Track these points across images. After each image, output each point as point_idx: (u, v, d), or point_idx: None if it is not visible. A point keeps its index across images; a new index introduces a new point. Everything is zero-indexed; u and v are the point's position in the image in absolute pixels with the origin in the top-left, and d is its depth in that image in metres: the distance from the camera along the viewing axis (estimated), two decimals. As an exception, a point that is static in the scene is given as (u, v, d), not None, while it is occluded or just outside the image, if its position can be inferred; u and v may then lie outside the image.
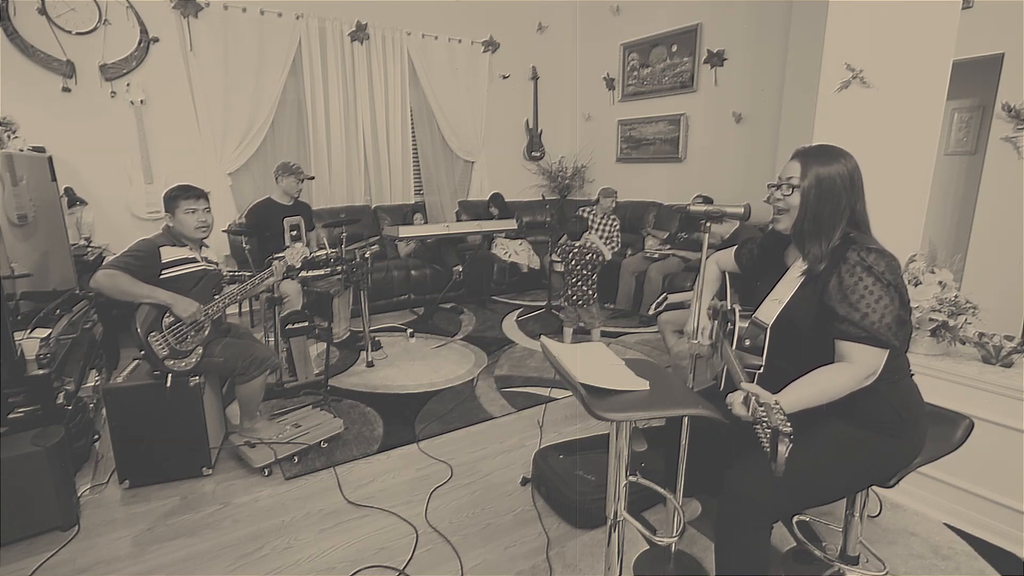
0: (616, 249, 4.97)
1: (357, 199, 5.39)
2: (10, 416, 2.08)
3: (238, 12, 4.49)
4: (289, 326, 2.91)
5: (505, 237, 5.49)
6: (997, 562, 1.79)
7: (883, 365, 1.23)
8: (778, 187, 1.37)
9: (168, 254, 2.23)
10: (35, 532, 1.92)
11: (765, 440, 1.01)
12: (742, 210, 1.54)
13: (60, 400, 2.20)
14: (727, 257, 1.70)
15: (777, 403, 1.07)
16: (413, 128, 5.68)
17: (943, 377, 1.94)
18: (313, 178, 4.42)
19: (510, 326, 4.42)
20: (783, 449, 0.96)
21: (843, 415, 1.31)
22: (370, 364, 3.53)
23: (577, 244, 3.54)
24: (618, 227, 5.10)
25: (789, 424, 0.99)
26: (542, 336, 1.59)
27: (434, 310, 4.76)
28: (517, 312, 4.81)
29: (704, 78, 5.17)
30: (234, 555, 1.86)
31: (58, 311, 2.80)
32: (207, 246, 2.46)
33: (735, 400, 1.17)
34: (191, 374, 2.21)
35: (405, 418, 2.82)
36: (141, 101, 4.18)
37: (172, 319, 2.17)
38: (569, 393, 2.12)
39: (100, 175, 4.16)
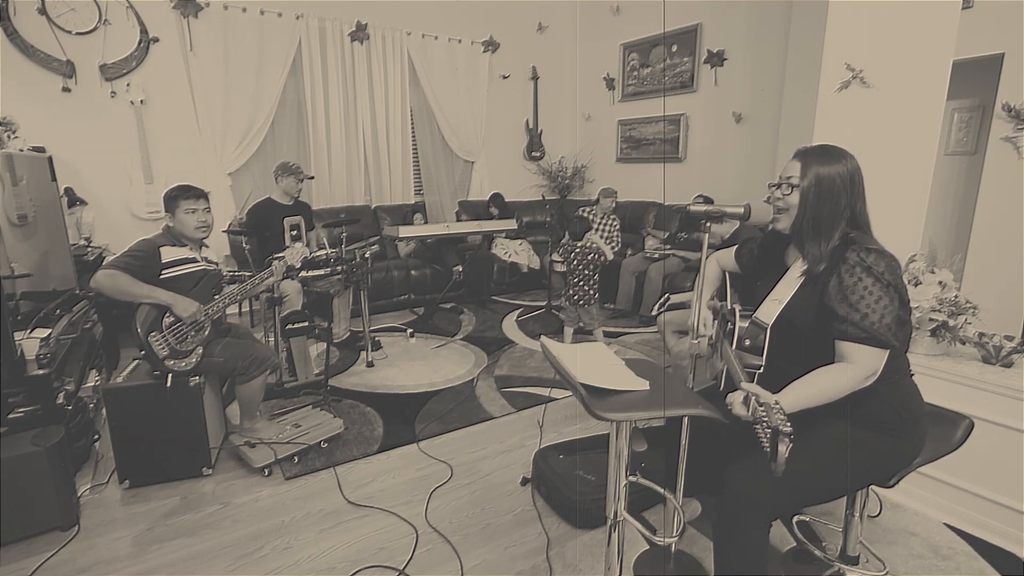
0: (616, 249, 4.97)
1: (357, 199, 5.39)
2: (10, 416, 2.08)
3: (238, 12, 4.49)
4: (289, 326, 2.91)
5: (505, 237, 5.49)
6: (997, 562, 1.79)
7: (883, 365, 1.23)
8: (778, 186, 1.37)
9: (168, 254, 2.23)
10: (35, 532, 1.92)
11: (765, 440, 1.01)
12: (742, 210, 1.54)
13: (60, 400, 2.20)
14: (727, 256, 1.70)
15: (777, 403, 1.07)
16: (413, 128, 5.68)
17: (943, 377, 1.94)
18: (313, 178, 4.42)
19: (510, 326, 4.42)
20: (783, 449, 0.96)
21: (843, 415, 1.30)
22: (370, 364, 3.53)
23: (579, 244, 3.54)
24: (618, 227, 5.10)
25: (789, 424, 0.99)
26: (542, 336, 1.59)
27: (434, 310, 4.76)
28: (517, 312, 4.81)
29: (704, 78, 5.17)
30: (234, 555, 1.86)
31: (58, 311, 2.80)
32: (207, 246, 2.46)
33: (735, 400, 1.17)
34: (191, 374, 2.21)
35: (405, 418, 2.82)
36: (141, 101, 4.19)
37: (172, 319, 2.17)
38: (569, 393, 2.12)
39: (100, 175, 4.16)
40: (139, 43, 4.19)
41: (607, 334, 3.99)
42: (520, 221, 5.34)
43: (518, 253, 5.39)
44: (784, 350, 1.33)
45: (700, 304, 1.63)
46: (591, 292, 3.55)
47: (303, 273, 3.11)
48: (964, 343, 1.99)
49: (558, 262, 4.64)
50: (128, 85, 4.14)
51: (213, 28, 4.40)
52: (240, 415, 2.47)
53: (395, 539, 1.92)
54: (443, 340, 4.07)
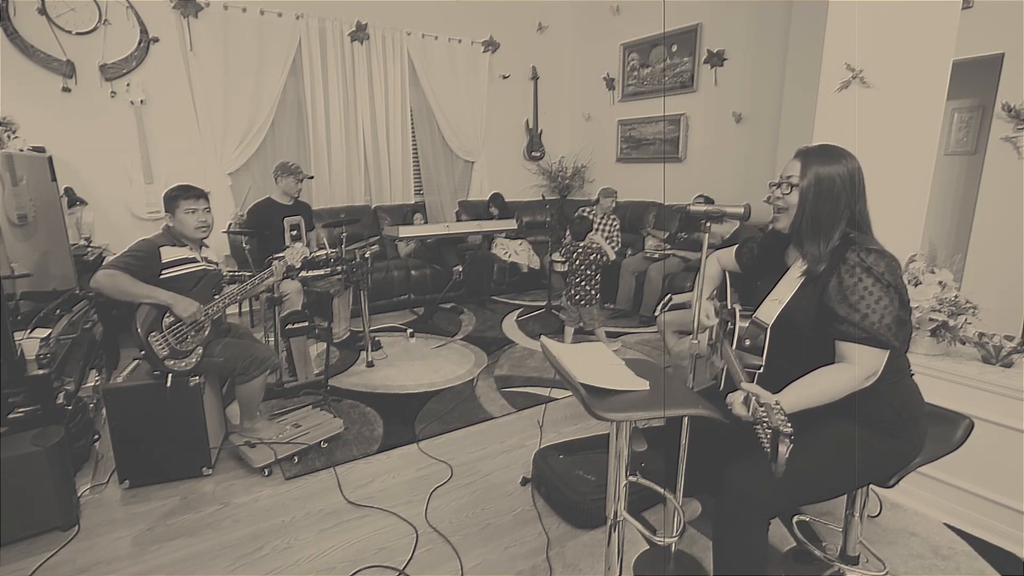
0: (616, 249, 4.97)
1: (357, 199, 5.39)
2: (10, 416, 2.08)
3: (238, 12, 4.49)
4: (289, 326, 2.91)
5: (505, 237, 5.49)
6: (997, 562, 1.79)
7: (883, 365, 1.23)
8: (778, 186, 1.37)
9: (168, 254, 2.23)
10: (35, 532, 1.92)
11: (765, 440, 1.01)
12: (742, 210, 1.54)
13: (60, 400, 2.20)
14: (728, 255, 1.70)
15: (777, 403, 1.07)
16: (413, 128, 5.68)
17: (943, 377, 1.94)
18: (312, 177, 4.42)
19: (510, 326, 4.42)
20: (783, 450, 0.96)
21: (843, 414, 1.30)
22: (370, 364, 3.53)
23: (582, 244, 3.55)
24: (618, 227, 5.10)
25: (790, 425, 0.99)
26: (542, 336, 1.59)
27: (434, 310, 4.76)
28: (517, 312, 4.81)
29: (704, 78, 5.17)
30: (234, 555, 1.86)
31: (58, 311, 2.80)
32: (207, 246, 2.46)
33: (735, 400, 1.17)
34: (191, 374, 2.21)
35: (405, 418, 2.82)
36: (141, 101, 4.19)
37: (172, 319, 2.17)
38: (569, 393, 2.12)
39: (100, 175, 4.16)
40: (139, 43, 4.19)
41: (607, 334, 3.99)
42: (520, 221, 5.34)
43: (518, 253, 5.39)
44: (784, 350, 1.33)
45: (700, 304, 1.63)
46: (593, 292, 3.56)
47: (303, 273, 3.11)
48: (964, 343, 1.99)
49: (558, 262, 4.64)
50: (128, 85, 4.14)
51: (213, 28, 4.40)
52: (240, 415, 2.47)
53: (395, 539, 1.92)
54: (443, 340, 4.07)
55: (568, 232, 3.68)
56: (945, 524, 1.96)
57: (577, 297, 3.58)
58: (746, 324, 1.40)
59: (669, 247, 4.72)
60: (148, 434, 2.19)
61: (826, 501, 1.90)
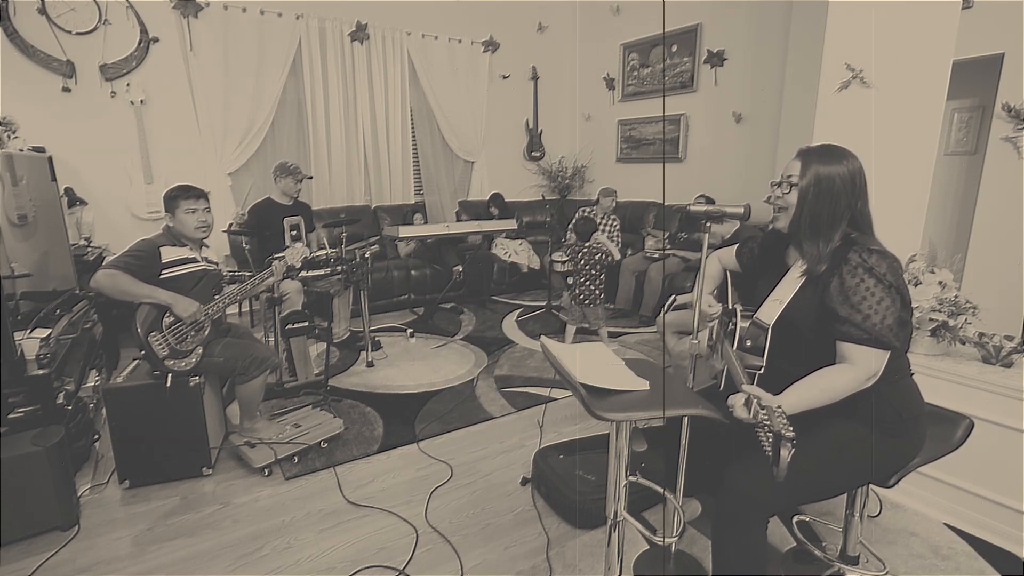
0: (617, 248, 4.97)
1: (357, 199, 5.39)
2: (10, 416, 2.08)
3: (238, 12, 4.49)
4: (289, 326, 2.91)
5: (505, 237, 5.49)
6: (997, 562, 1.79)
7: (884, 366, 1.23)
8: (779, 185, 1.37)
9: (168, 254, 2.23)
10: (35, 532, 1.92)
11: (767, 443, 1.01)
12: (742, 210, 1.54)
13: (60, 400, 2.20)
14: (728, 255, 1.70)
15: (779, 406, 1.06)
16: (413, 128, 5.68)
17: (943, 377, 1.94)
18: (311, 177, 4.42)
19: (510, 326, 4.42)
20: (785, 454, 0.96)
21: (843, 414, 1.30)
22: (370, 364, 3.52)
23: (587, 244, 3.56)
24: (618, 227, 5.10)
25: (792, 429, 0.99)
26: (542, 336, 1.59)
27: (434, 310, 4.76)
28: (517, 312, 4.81)
29: (704, 78, 5.17)
30: (234, 555, 1.86)
31: (58, 311, 2.80)
32: (207, 246, 2.46)
33: (736, 402, 1.17)
34: (191, 374, 2.21)
35: (405, 418, 2.82)
36: (141, 101, 4.19)
37: (172, 319, 2.17)
38: (569, 393, 2.12)
39: (100, 175, 4.16)
40: (139, 43, 4.19)
41: (608, 334, 3.99)
42: (520, 221, 5.34)
43: (518, 253, 5.39)
44: (785, 351, 1.33)
45: (700, 304, 1.63)
46: (597, 292, 3.57)
47: (303, 273, 3.11)
48: (964, 343, 1.99)
49: (559, 262, 4.64)
50: (128, 85, 4.14)
51: (213, 28, 4.40)
52: (240, 415, 2.47)
53: (395, 539, 1.92)
54: (443, 340, 4.07)
55: (571, 232, 3.69)
56: (945, 524, 1.96)
57: (582, 297, 3.59)
58: (747, 324, 1.40)
59: (669, 247, 4.72)
60: (148, 434, 2.19)
61: (826, 501, 1.90)
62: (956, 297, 1.97)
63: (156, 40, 4.26)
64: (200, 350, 2.24)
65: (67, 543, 1.90)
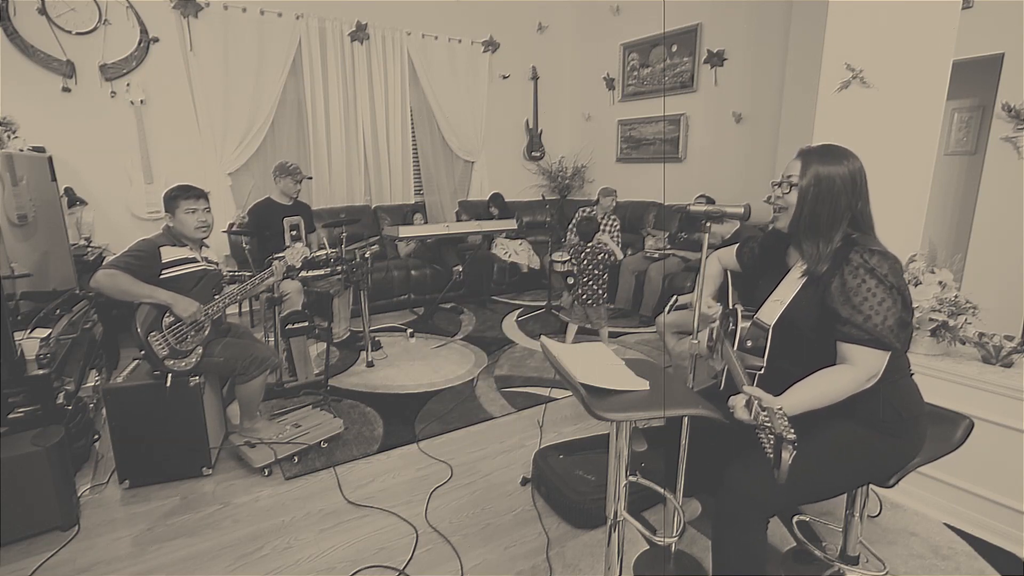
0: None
1: (357, 199, 5.39)
2: (10, 416, 2.08)
3: (238, 12, 4.49)
4: (289, 326, 2.91)
5: (505, 237, 5.49)
6: (997, 562, 1.79)
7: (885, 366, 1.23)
8: (779, 185, 1.37)
9: (168, 254, 2.23)
10: (35, 532, 1.92)
11: (768, 445, 1.01)
12: (742, 210, 1.54)
13: (60, 400, 2.20)
14: (729, 254, 1.70)
15: (780, 408, 1.06)
16: (413, 128, 5.68)
17: (943, 377, 1.94)
18: (311, 178, 4.42)
19: (510, 326, 4.42)
20: (787, 456, 0.96)
21: (843, 414, 1.30)
22: (370, 364, 3.53)
23: (590, 244, 3.57)
24: (618, 227, 5.09)
25: (793, 431, 0.99)
26: (542, 336, 1.59)
27: (434, 310, 4.76)
28: (517, 312, 4.81)
29: (704, 78, 5.17)
30: (234, 555, 1.86)
31: (58, 311, 2.80)
32: (207, 246, 2.46)
33: (737, 404, 1.17)
34: (191, 374, 2.21)
35: (405, 418, 2.82)
36: (141, 101, 4.19)
37: (172, 319, 2.17)
38: (569, 393, 2.12)
39: (100, 175, 4.16)
40: (139, 43, 4.19)
41: (608, 334, 3.99)
42: (520, 221, 5.34)
43: (518, 253, 5.39)
44: (786, 351, 1.33)
45: (700, 304, 1.63)
46: (600, 292, 3.58)
47: (303, 273, 3.11)
48: (964, 343, 1.99)
49: (559, 262, 4.64)
50: (128, 85, 4.14)
51: (213, 28, 4.40)
52: (240, 415, 2.47)
53: (395, 539, 1.92)
54: (443, 340, 4.07)
55: (573, 232, 3.69)
56: (945, 524, 1.96)
57: (585, 297, 3.59)
58: (747, 325, 1.40)
59: (669, 247, 4.72)
60: (148, 434, 2.19)
61: (826, 500, 1.90)
62: (956, 297, 1.97)
63: (156, 40, 4.26)
64: (200, 350, 2.24)
65: (67, 543, 1.90)
